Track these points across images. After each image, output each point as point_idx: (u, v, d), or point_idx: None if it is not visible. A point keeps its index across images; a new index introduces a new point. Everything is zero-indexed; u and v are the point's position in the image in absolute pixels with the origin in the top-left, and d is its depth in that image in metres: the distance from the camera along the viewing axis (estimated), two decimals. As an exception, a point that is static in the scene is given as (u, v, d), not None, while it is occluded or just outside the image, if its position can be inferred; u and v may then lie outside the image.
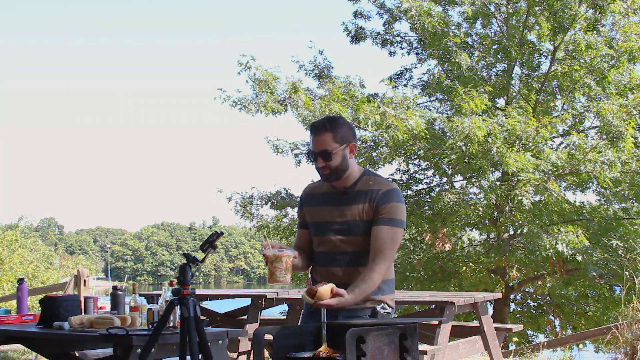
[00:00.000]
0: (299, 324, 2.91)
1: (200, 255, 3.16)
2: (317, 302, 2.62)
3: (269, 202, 13.69)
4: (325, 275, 2.94)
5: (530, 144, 11.27)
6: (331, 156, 2.83)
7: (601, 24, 12.51)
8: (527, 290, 14.10)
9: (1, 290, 15.50)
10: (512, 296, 13.75)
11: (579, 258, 10.62)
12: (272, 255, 2.75)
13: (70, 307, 4.03)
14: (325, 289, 2.63)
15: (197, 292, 5.94)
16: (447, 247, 11.78)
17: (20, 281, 4.66)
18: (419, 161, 13.53)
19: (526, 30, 13.13)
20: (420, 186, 13.91)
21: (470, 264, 12.42)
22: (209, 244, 3.11)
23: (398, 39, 14.17)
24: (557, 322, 13.51)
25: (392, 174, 13.80)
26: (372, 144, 13.04)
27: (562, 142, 12.95)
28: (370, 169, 3.08)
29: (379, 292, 2.87)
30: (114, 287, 4.17)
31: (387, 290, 2.92)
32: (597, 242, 11.52)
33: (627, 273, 10.02)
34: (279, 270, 2.74)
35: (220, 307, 8.39)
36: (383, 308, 2.89)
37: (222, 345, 3.63)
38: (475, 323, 6.70)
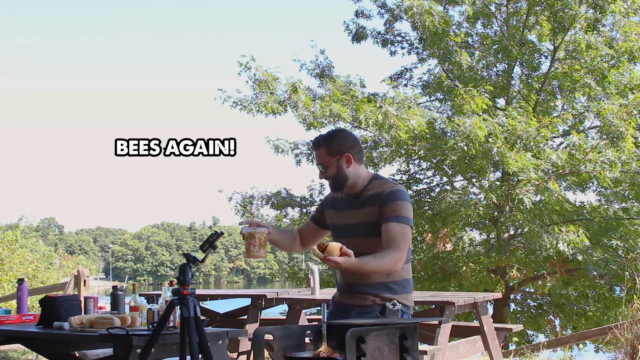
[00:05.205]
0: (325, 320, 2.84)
1: (200, 255, 3.16)
2: (326, 257, 2.66)
3: (269, 202, 13.71)
4: (340, 273, 3.08)
5: (531, 144, 11.26)
6: (326, 168, 3.04)
7: (601, 24, 12.52)
8: (527, 290, 14.08)
9: (1, 290, 15.51)
10: (512, 296, 13.73)
11: (579, 258, 10.62)
12: (246, 232, 2.93)
13: (70, 307, 4.02)
14: (335, 245, 2.68)
15: (197, 292, 5.91)
16: (448, 247, 11.77)
17: (20, 281, 4.65)
18: (420, 161, 13.53)
19: (526, 30, 13.13)
20: (421, 186, 13.92)
21: (471, 264, 12.40)
22: (209, 244, 3.13)
23: (399, 38, 14.19)
24: (557, 322, 13.50)
25: (392, 174, 13.80)
26: (373, 144, 13.03)
27: (562, 142, 12.94)
28: (379, 174, 3.17)
29: (389, 292, 2.94)
30: (114, 287, 4.17)
31: (400, 290, 2.97)
32: (597, 242, 11.50)
33: (627, 273, 10.03)
34: (252, 245, 2.92)
35: (220, 307, 8.40)
36: (393, 304, 2.94)
37: (222, 345, 3.63)
38: (475, 323, 6.69)
